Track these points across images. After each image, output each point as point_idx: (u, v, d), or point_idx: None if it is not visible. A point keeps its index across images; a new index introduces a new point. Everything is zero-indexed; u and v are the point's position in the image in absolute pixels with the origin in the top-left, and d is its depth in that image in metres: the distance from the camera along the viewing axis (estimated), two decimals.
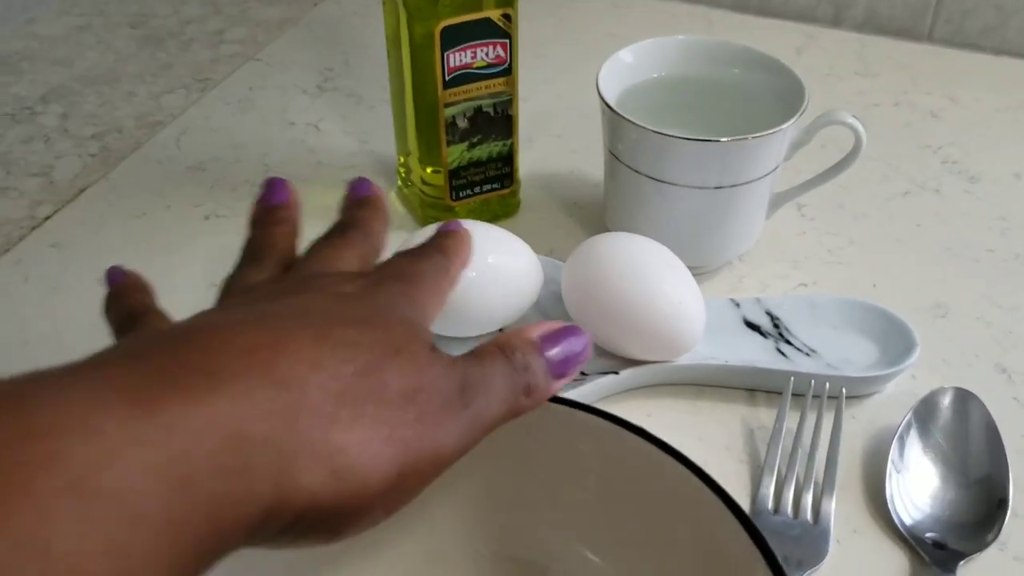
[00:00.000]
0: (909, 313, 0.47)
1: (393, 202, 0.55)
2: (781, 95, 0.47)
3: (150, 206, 0.55)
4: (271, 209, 0.33)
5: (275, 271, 0.30)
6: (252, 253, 0.31)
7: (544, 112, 0.62)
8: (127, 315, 0.29)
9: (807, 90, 0.46)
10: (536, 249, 0.46)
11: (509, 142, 0.51)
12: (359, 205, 0.34)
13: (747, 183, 0.46)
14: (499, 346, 0.27)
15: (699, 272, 0.49)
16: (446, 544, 0.32)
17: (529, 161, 0.58)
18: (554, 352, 0.27)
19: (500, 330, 0.45)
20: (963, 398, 0.41)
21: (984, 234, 0.53)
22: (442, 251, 0.31)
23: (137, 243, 0.52)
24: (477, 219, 0.47)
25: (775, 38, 0.70)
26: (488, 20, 0.47)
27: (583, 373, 0.43)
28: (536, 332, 0.28)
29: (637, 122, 0.45)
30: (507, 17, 0.47)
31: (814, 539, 0.38)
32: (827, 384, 0.42)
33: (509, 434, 0.27)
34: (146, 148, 0.59)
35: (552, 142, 0.60)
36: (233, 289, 0.29)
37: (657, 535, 0.30)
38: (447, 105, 0.48)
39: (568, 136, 0.60)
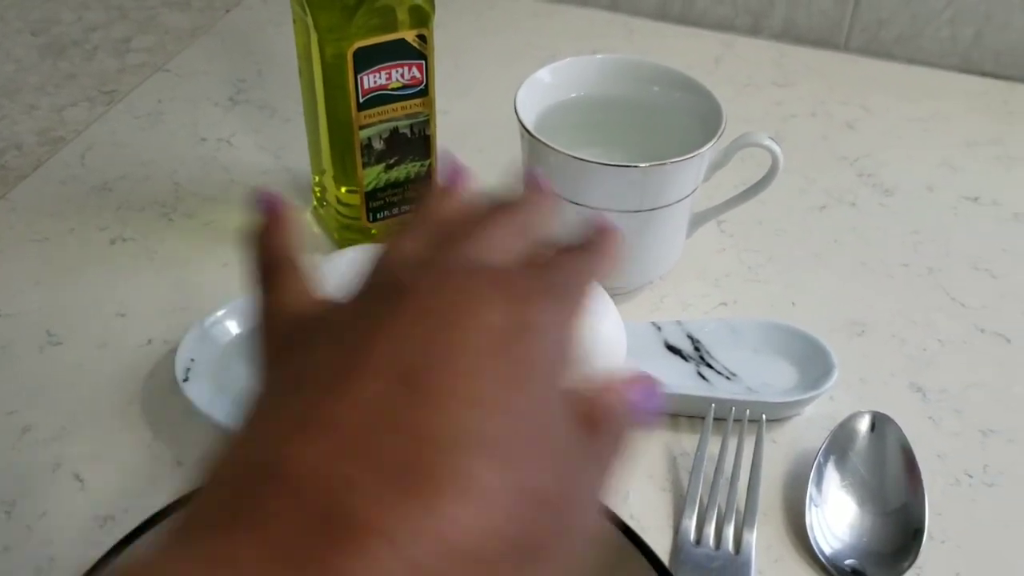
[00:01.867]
0: (827, 332, 0.47)
1: (308, 223, 0.54)
2: (700, 115, 0.47)
3: (52, 230, 0.52)
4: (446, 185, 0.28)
5: (429, 251, 0.23)
6: (414, 225, 0.25)
7: (465, 125, 0.61)
8: (268, 264, 0.24)
9: (724, 113, 0.46)
10: None
11: (427, 163, 0.50)
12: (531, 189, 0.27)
13: (666, 206, 0.46)
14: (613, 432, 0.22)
15: (621, 292, 0.49)
16: None
17: None
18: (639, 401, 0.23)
19: None
20: (880, 422, 0.41)
21: (898, 249, 0.54)
22: (603, 255, 0.26)
23: (38, 271, 0.50)
24: None
25: (694, 47, 0.70)
26: (403, 41, 0.46)
27: None
28: (629, 392, 0.23)
29: (556, 147, 0.44)
30: (422, 38, 0.46)
31: (736, 570, 0.38)
32: (747, 410, 0.42)
33: None
34: (48, 166, 0.57)
35: (474, 156, 0.58)
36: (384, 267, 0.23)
37: None
38: (362, 127, 0.47)
39: (490, 150, 0.59)
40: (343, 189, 0.50)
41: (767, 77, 0.67)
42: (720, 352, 0.45)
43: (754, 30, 0.72)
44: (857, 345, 0.48)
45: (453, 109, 0.62)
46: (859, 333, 0.49)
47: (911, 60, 0.70)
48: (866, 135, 0.62)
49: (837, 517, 0.39)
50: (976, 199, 0.58)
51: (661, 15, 0.72)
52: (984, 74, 0.69)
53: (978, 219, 0.56)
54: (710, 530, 0.39)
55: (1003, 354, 0.48)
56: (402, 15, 0.45)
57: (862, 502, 0.39)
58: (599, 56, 0.49)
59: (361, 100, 0.46)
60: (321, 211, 0.53)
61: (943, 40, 0.68)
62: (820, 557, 0.38)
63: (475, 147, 0.59)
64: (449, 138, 0.59)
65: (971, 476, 0.42)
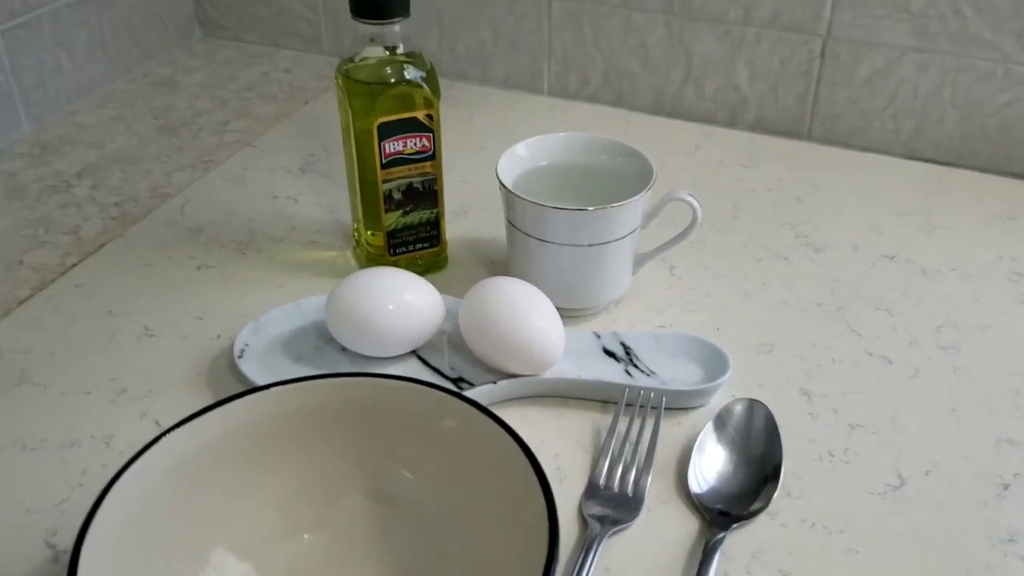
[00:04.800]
0: (739, 349, 0.60)
1: (349, 258, 0.69)
2: (638, 175, 0.61)
3: (155, 257, 0.69)
4: None
5: None
6: None
7: (481, 191, 0.76)
8: None
9: (655, 171, 0.60)
10: (458, 294, 0.59)
11: (435, 211, 0.65)
12: None
13: (611, 242, 0.60)
14: None
15: (579, 314, 0.63)
16: (329, 477, 0.45)
17: (464, 228, 0.72)
18: None
19: (413, 351, 0.58)
20: (752, 404, 0.54)
21: (817, 292, 0.66)
22: None
23: (143, 285, 0.66)
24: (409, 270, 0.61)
25: (680, 135, 0.84)
26: (415, 119, 0.61)
27: (470, 383, 0.56)
28: None
29: (524, 197, 0.59)
30: (430, 116, 0.62)
31: (631, 506, 0.50)
32: (652, 394, 0.55)
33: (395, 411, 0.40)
34: (156, 214, 0.74)
35: (483, 214, 0.74)
36: None
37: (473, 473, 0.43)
38: (384, 182, 0.63)
39: (495, 210, 0.74)
40: (369, 232, 0.66)
41: (736, 160, 0.81)
42: (645, 356, 0.58)
43: (731, 122, 0.86)
44: (762, 360, 0.60)
45: (474, 179, 0.77)
46: (767, 351, 0.61)
47: (863, 148, 0.83)
48: (810, 206, 0.75)
49: (711, 468, 0.51)
50: (893, 257, 0.70)
51: (655, 110, 0.88)
52: (926, 160, 0.81)
53: (891, 273, 0.68)
54: (616, 476, 0.52)
55: (884, 372, 0.60)
56: (416, 100, 0.61)
57: (730, 456, 0.52)
58: (562, 133, 0.64)
59: (383, 161, 0.62)
60: (358, 250, 0.69)
61: (888, 132, 0.81)
62: (695, 500, 0.50)
63: (485, 207, 0.74)
64: (469, 199, 0.74)
65: (832, 455, 0.54)
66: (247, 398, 0.44)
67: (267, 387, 0.44)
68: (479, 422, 0.43)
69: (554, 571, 0.37)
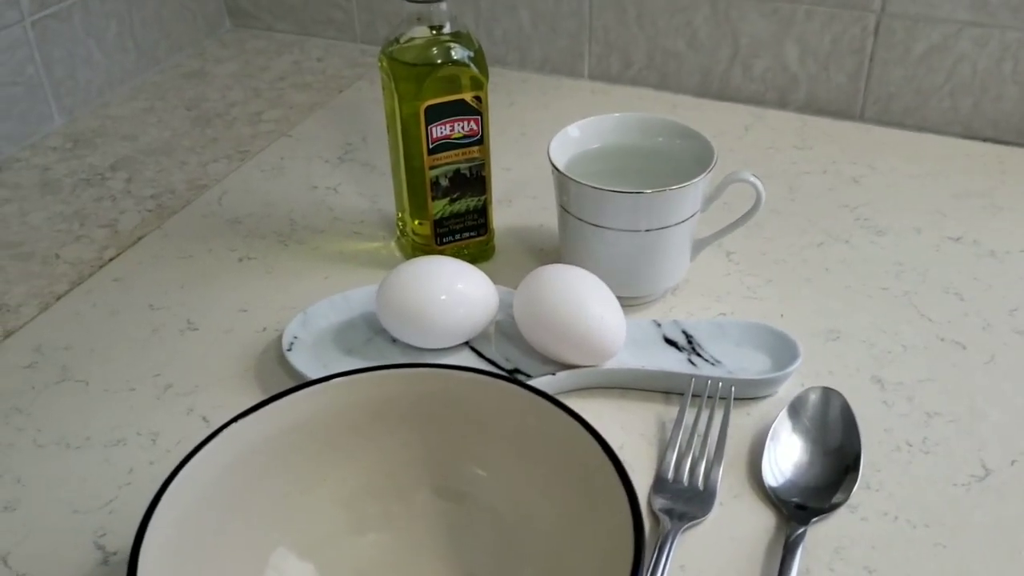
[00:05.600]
0: (806, 336, 0.57)
1: (393, 248, 0.67)
2: (697, 157, 0.59)
3: (195, 249, 0.67)
4: None
5: None
6: None
7: (524, 178, 0.74)
8: None
9: (716, 152, 0.58)
10: (506, 284, 0.57)
11: (483, 198, 0.63)
12: None
13: (669, 227, 0.57)
14: None
15: (636, 303, 0.60)
16: (396, 474, 0.43)
17: (509, 216, 0.69)
18: None
19: (466, 343, 0.56)
20: (827, 393, 0.51)
21: (881, 276, 0.64)
22: None
23: (183, 278, 0.65)
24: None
25: (728, 118, 0.82)
26: (463, 101, 0.59)
27: (527, 375, 0.54)
28: None
29: (579, 180, 0.56)
30: (478, 99, 0.59)
31: (703, 500, 0.48)
32: (720, 384, 0.52)
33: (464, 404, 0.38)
34: (193, 205, 0.72)
35: (528, 202, 0.72)
36: None
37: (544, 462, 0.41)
38: (431, 168, 0.61)
39: (541, 197, 0.72)
40: (416, 221, 0.63)
41: (789, 142, 0.79)
42: (708, 344, 0.56)
43: (781, 103, 0.83)
44: (831, 347, 0.58)
45: (516, 167, 0.75)
46: (834, 339, 0.58)
47: (919, 128, 0.80)
48: (868, 188, 0.73)
49: (786, 460, 0.49)
50: (959, 239, 0.67)
51: (701, 92, 0.85)
52: (985, 139, 0.78)
53: (957, 255, 0.65)
54: (685, 469, 0.49)
55: (958, 358, 0.57)
56: (463, 81, 0.59)
57: (806, 447, 0.49)
58: (616, 114, 0.62)
59: (430, 146, 0.60)
60: (403, 240, 0.67)
61: (945, 110, 0.78)
62: (770, 493, 0.48)
63: (530, 195, 0.72)
64: (512, 188, 0.72)
65: (911, 445, 0.51)
66: (308, 390, 0.42)
67: (328, 378, 0.42)
68: (552, 415, 0.40)
69: (641, 571, 0.35)
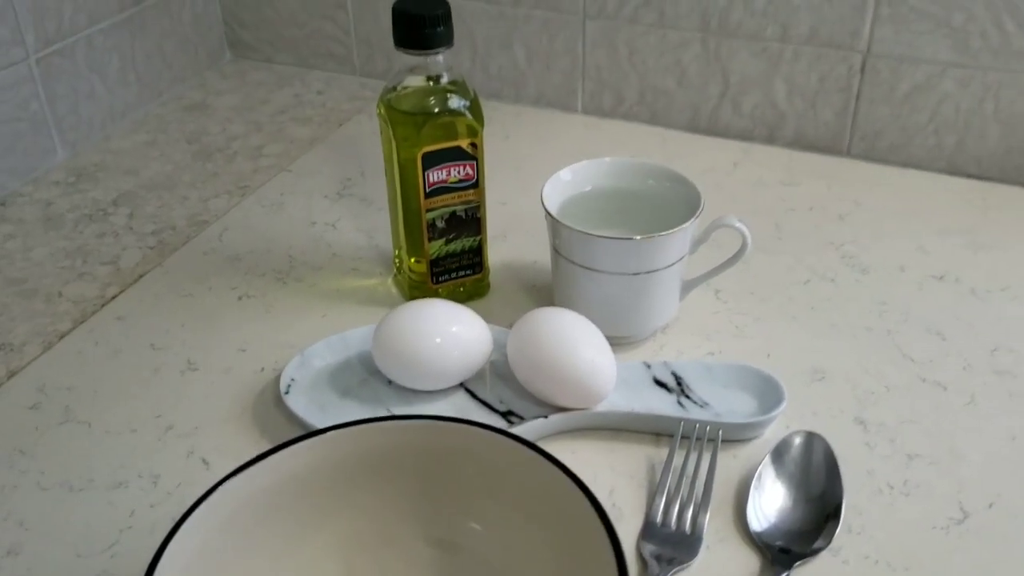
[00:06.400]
0: (791, 377, 0.59)
1: (389, 285, 0.69)
2: (685, 200, 0.60)
3: (195, 288, 0.69)
4: None
5: None
6: None
7: (519, 214, 0.75)
8: None
9: (703, 198, 0.59)
10: (500, 322, 0.59)
11: (478, 238, 0.65)
12: None
13: (658, 270, 0.59)
14: None
15: (626, 342, 0.62)
16: (391, 523, 0.45)
17: (504, 252, 0.71)
18: None
19: (461, 384, 0.58)
20: (810, 438, 0.53)
21: (865, 315, 0.65)
22: None
23: (183, 317, 0.66)
24: (453, 299, 0.60)
25: (717, 154, 0.83)
26: (459, 147, 0.61)
27: (520, 417, 0.55)
28: None
29: (571, 225, 0.58)
30: (474, 145, 0.61)
31: (690, 544, 0.49)
32: (708, 428, 0.54)
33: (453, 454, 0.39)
34: (194, 242, 0.74)
35: (523, 237, 0.73)
36: None
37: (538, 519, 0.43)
38: (428, 211, 0.62)
39: (535, 233, 0.73)
40: (412, 260, 0.65)
41: (776, 178, 0.80)
42: (697, 386, 0.57)
43: (770, 139, 0.85)
44: (815, 388, 0.59)
45: (511, 201, 0.77)
46: (819, 379, 0.60)
47: (905, 164, 0.81)
48: (854, 225, 0.74)
49: (770, 505, 0.50)
50: (941, 277, 0.69)
51: (691, 127, 0.87)
52: (968, 176, 0.80)
53: (940, 293, 0.67)
54: (673, 514, 0.51)
55: (940, 399, 0.59)
56: (460, 128, 0.60)
57: (790, 493, 0.51)
58: (607, 159, 0.63)
59: (427, 190, 0.61)
60: (399, 277, 0.68)
61: (930, 148, 0.80)
62: (755, 537, 0.49)
63: (525, 230, 0.74)
64: (507, 222, 0.74)
65: (892, 487, 0.53)
66: (306, 443, 0.43)
67: (325, 431, 0.44)
68: (540, 466, 0.42)
69: None
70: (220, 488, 0.41)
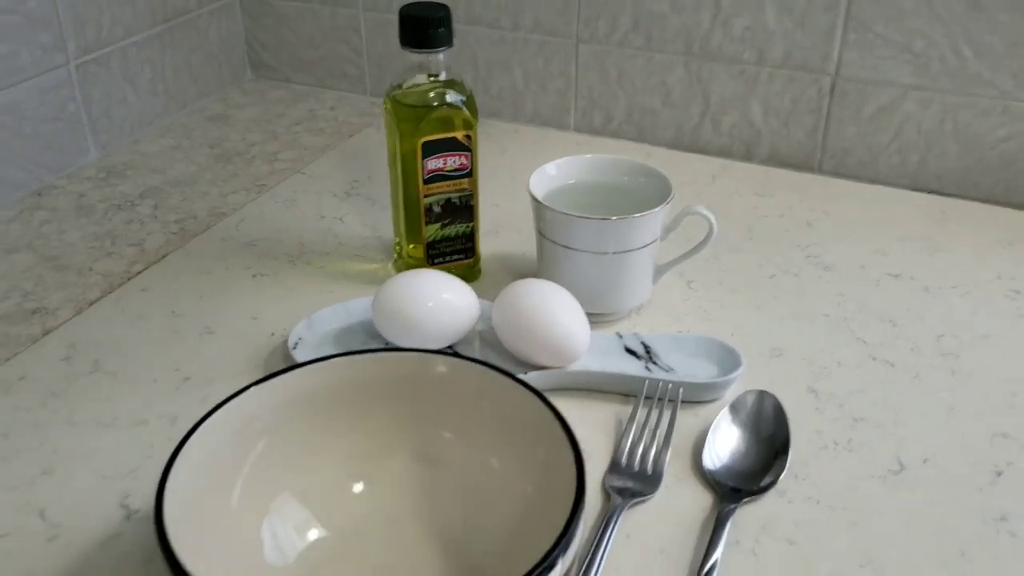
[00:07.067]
0: (752, 354, 0.65)
1: (389, 269, 0.75)
2: (658, 192, 0.67)
3: (213, 266, 0.75)
4: None
5: None
6: None
7: (510, 214, 0.82)
8: None
9: (673, 187, 0.66)
10: (491, 299, 0.65)
11: (471, 225, 0.71)
12: None
13: (632, 251, 0.65)
14: None
15: (603, 320, 0.68)
16: (377, 444, 0.50)
17: (495, 245, 0.77)
18: None
19: (450, 347, 0.64)
20: (762, 395, 0.58)
21: (823, 305, 0.71)
22: None
23: (202, 290, 0.72)
24: None
25: (698, 168, 0.90)
26: (455, 138, 0.67)
27: None
28: None
29: (553, 207, 0.64)
30: (468, 137, 0.68)
31: (650, 481, 0.55)
32: (670, 386, 0.60)
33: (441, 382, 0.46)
34: (213, 229, 0.80)
35: (513, 234, 0.80)
36: None
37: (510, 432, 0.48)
38: (426, 196, 0.69)
39: (524, 231, 0.79)
40: (411, 246, 0.71)
41: (751, 190, 0.87)
42: (664, 354, 0.63)
43: (747, 156, 0.92)
44: (773, 363, 0.65)
45: (504, 204, 0.83)
46: (777, 355, 0.66)
47: (872, 180, 0.88)
48: (821, 231, 0.80)
49: (724, 448, 0.56)
50: (898, 276, 0.75)
51: (675, 144, 0.94)
52: (930, 191, 0.86)
53: (895, 289, 0.73)
54: (636, 455, 0.56)
55: (888, 374, 0.64)
56: (456, 121, 0.67)
57: (741, 436, 0.57)
58: (588, 155, 0.70)
59: (426, 177, 0.68)
60: (399, 262, 0.74)
61: (895, 165, 0.87)
62: (708, 477, 0.55)
63: (515, 228, 0.80)
64: (499, 221, 0.80)
65: (837, 444, 0.58)
66: (312, 365, 0.49)
67: (328, 357, 0.50)
68: (514, 391, 0.48)
69: (579, 518, 0.42)
70: (238, 397, 0.47)
